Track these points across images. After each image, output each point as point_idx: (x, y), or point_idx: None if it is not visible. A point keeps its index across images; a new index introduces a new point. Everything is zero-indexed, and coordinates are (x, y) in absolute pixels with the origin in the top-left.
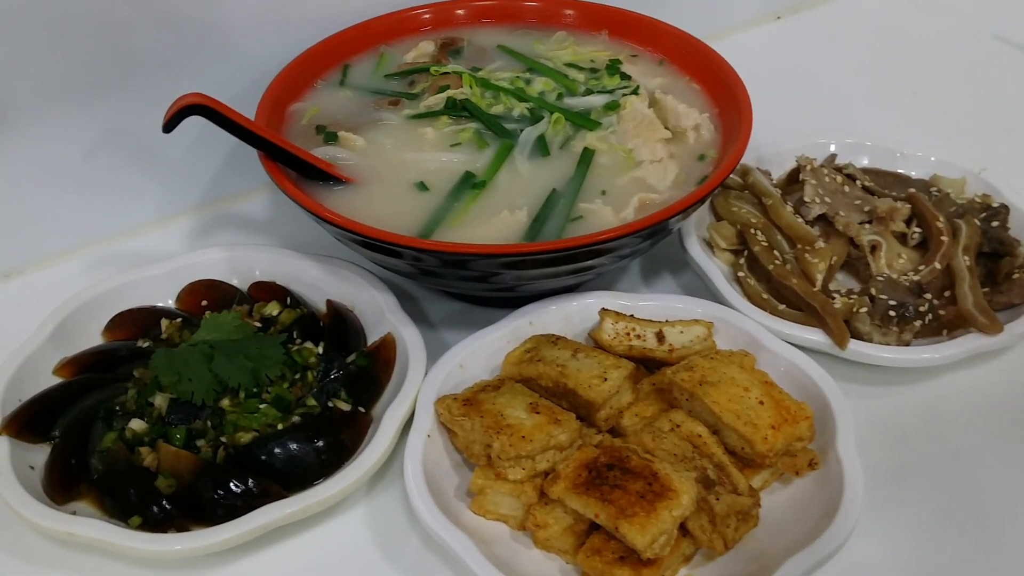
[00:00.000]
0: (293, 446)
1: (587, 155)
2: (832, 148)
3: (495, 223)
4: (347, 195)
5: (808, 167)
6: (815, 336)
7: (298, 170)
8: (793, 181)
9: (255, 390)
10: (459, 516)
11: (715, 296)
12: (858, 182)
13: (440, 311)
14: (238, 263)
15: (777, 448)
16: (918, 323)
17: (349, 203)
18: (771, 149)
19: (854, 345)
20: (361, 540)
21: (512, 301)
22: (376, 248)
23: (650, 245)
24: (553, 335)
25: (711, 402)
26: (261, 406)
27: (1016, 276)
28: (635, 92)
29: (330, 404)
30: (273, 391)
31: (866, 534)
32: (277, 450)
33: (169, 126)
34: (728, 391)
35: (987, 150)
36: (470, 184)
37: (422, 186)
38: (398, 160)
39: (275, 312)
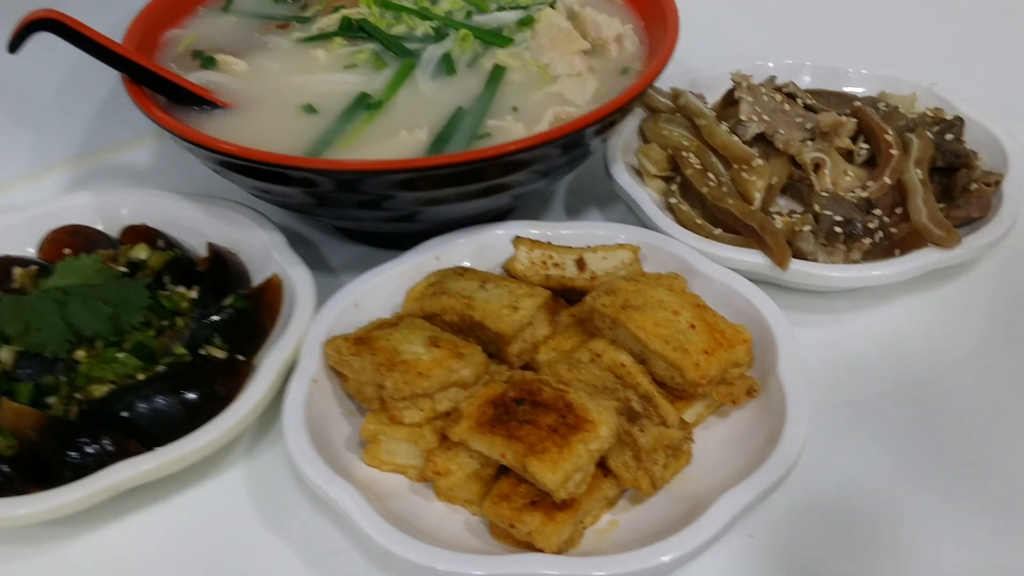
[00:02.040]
0: (159, 400)
1: (497, 72)
2: (771, 66)
3: (391, 144)
4: (224, 120)
5: (744, 84)
6: (754, 258)
7: (168, 95)
8: (729, 104)
9: (115, 339)
10: (351, 469)
11: (645, 225)
12: (799, 100)
13: (341, 256)
14: (107, 208)
15: (710, 375)
16: (867, 241)
17: (226, 128)
18: (705, 73)
19: (796, 265)
20: (239, 503)
21: (420, 238)
22: (254, 173)
23: (568, 163)
24: (460, 267)
25: (635, 327)
26: (119, 355)
27: (974, 188)
28: (552, 6)
29: (202, 352)
30: (133, 338)
31: (818, 472)
32: (141, 405)
33: (14, 44)
34: (655, 315)
35: (937, 67)
36: (364, 105)
37: (310, 108)
38: (284, 83)
39: (143, 256)
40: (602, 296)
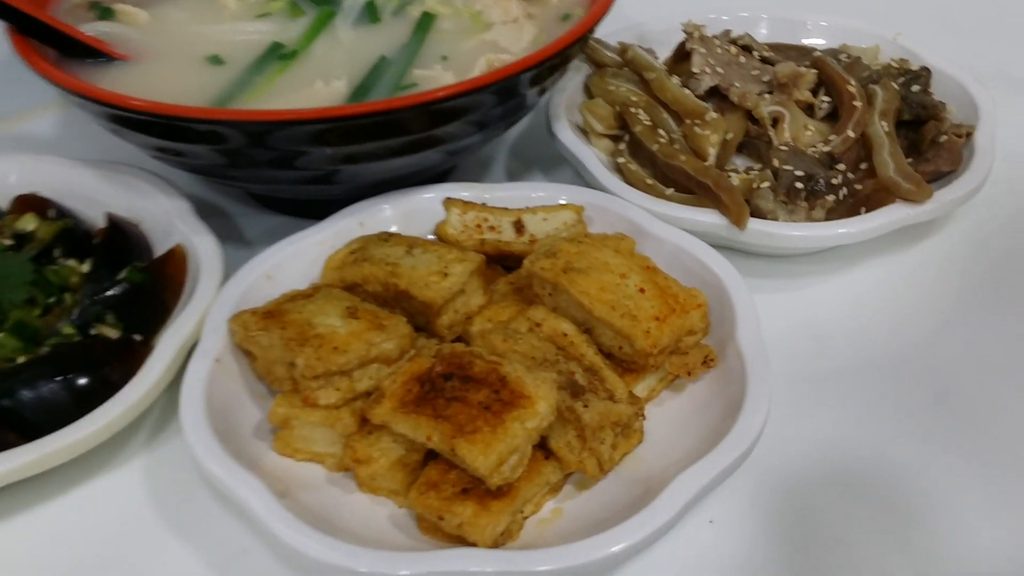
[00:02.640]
0: (41, 385)
1: (426, 20)
2: (725, 19)
3: (305, 95)
4: (121, 74)
5: (696, 35)
6: (709, 218)
7: (60, 48)
8: (681, 59)
9: None
10: (259, 460)
11: (592, 187)
12: (755, 53)
13: (258, 227)
14: None
15: (662, 344)
16: (831, 198)
17: (123, 82)
18: (655, 28)
19: (755, 224)
20: (136, 501)
21: (344, 205)
22: (151, 128)
23: (504, 116)
24: (385, 233)
25: (578, 292)
26: None
27: (943, 140)
28: None
29: (93, 332)
30: (13, 316)
31: (782, 449)
32: (24, 391)
33: None
34: (600, 279)
35: (901, 18)
36: (277, 55)
37: (216, 59)
38: (189, 34)
39: (31, 226)
40: (541, 259)
